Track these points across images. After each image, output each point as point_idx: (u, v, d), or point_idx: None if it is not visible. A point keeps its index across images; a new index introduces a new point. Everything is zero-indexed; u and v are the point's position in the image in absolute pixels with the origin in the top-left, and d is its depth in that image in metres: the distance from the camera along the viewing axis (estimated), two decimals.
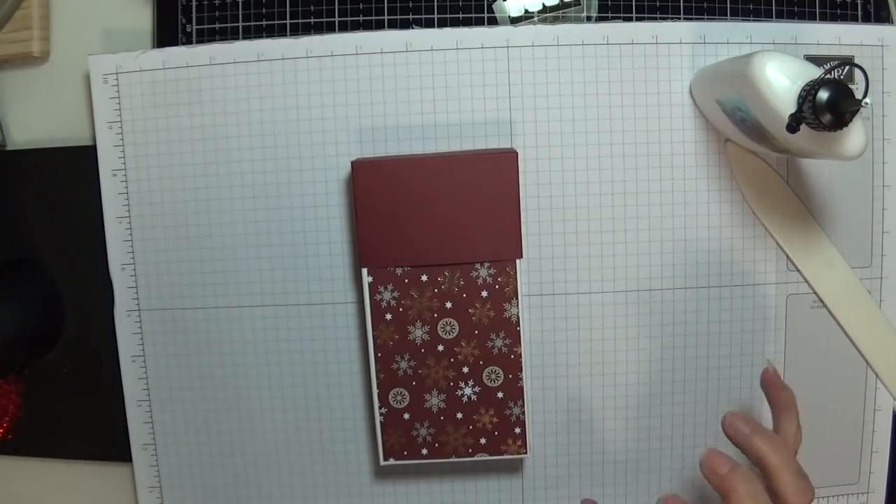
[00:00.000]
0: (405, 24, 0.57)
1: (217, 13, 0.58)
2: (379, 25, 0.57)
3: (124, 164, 0.57)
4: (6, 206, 0.60)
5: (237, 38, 0.58)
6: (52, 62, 0.60)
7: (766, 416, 0.58)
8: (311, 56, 0.55)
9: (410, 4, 0.57)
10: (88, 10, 0.60)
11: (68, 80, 0.60)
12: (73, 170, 0.59)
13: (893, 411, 0.58)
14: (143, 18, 0.59)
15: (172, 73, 0.56)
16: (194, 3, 0.58)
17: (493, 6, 0.57)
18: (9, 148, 0.61)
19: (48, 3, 0.59)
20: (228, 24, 0.58)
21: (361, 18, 0.57)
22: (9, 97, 0.61)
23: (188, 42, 0.58)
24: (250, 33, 0.58)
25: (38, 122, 0.60)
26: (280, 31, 0.58)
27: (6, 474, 0.63)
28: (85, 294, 0.59)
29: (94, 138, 0.58)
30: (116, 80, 0.57)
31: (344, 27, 0.58)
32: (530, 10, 0.57)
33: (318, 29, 0.58)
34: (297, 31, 0.58)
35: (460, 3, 0.57)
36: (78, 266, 0.59)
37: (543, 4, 0.57)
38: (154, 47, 0.58)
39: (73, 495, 0.63)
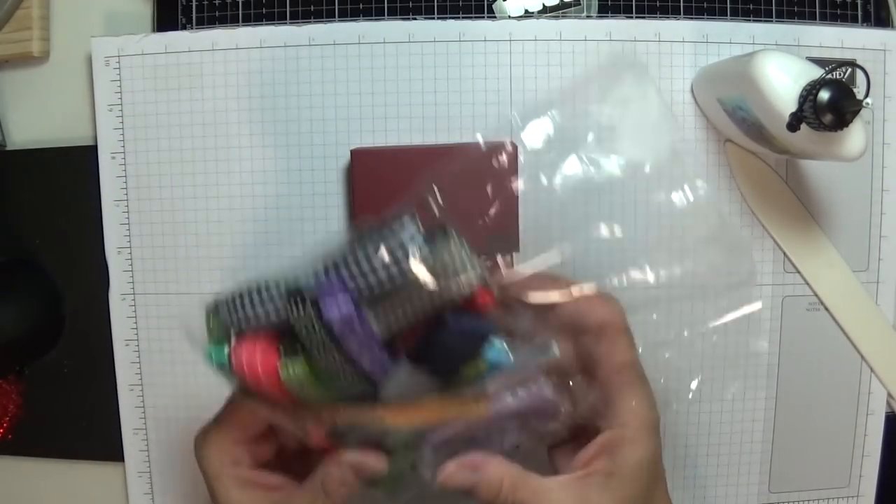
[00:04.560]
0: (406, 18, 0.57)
1: (217, 13, 0.58)
2: (379, 13, 0.57)
3: (123, 147, 0.57)
4: (6, 206, 0.60)
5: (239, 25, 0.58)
6: (52, 62, 0.60)
7: (760, 427, 0.58)
8: (314, 44, 0.55)
9: (411, 4, 0.57)
10: (88, 11, 0.59)
11: (68, 80, 0.59)
12: (73, 169, 0.59)
13: (886, 415, 0.58)
14: (143, 20, 0.59)
15: (174, 58, 0.56)
16: (194, 3, 0.58)
17: (494, 6, 0.57)
18: (9, 148, 0.61)
19: (48, 3, 0.59)
20: (228, 25, 0.57)
21: (361, 7, 0.57)
22: (9, 97, 0.60)
23: None
24: None
25: (38, 122, 0.60)
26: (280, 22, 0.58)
27: (6, 474, 0.63)
28: (85, 293, 0.59)
29: (95, 138, 0.58)
30: (118, 63, 0.57)
31: (344, 17, 0.58)
32: (530, 10, 0.57)
33: (319, 17, 0.57)
34: (297, 23, 0.57)
35: (460, 3, 0.57)
36: (78, 265, 0.59)
37: (543, 5, 0.57)
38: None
39: (72, 495, 0.62)
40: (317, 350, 0.35)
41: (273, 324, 0.36)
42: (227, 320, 0.37)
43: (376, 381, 0.37)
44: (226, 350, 0.37)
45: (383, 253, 0.36)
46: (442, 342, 0.36)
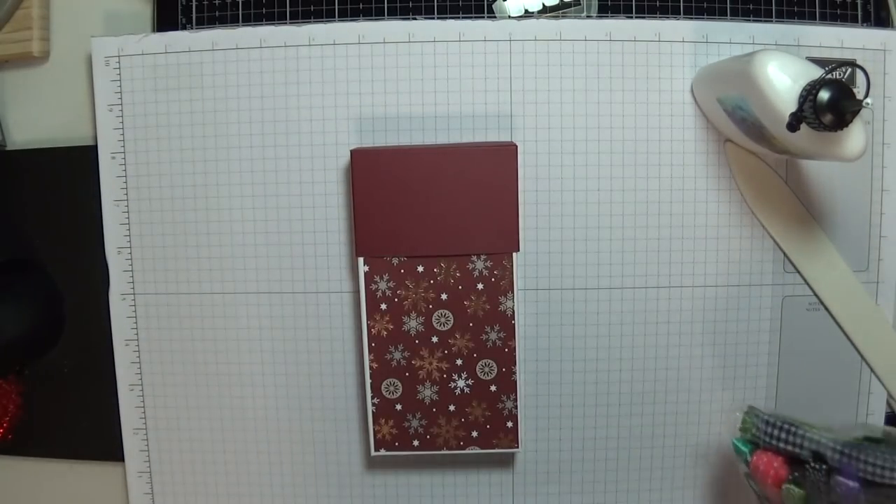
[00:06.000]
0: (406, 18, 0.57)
1: (217, 13, 0.58)
2: (379, 13, 0.57)
3: (123, 147, 0.57)
4: (6, 206, 0.60)
5: (238, 25, 0.58)
6: (52, 62, 0.60)
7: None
8: (314, 44, 0.55)
9: (411, 4, 0.57)
10: (88, 11, 0.59)
11: (68, 80, 0.59)
12: (73, 170, 0.59)
13: (886, 415, 0.58)
14: (143, 20, 0.59)
15: (174, 58, 0.56)
16: (194, 3, 0.58)
17: (494, 6, 0.57)
18: (9, 148, 0.61)
19: (48, 3, 0.59)
20: (228, 25, 0.57)
21: (361, 6, 0.57)
22: (9, 97, 0.61)
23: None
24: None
25: (38, 122, 0.60)
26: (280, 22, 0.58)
27: (6, 474, 0.63)
28: (85, 293, 0.59)
29: (95, 138, 0.58)
30: (118, 63, 0.57)
31: (344, 17, 0.58)
32: (530, 10, 0.57)
33: (318, 17, 0.58)
34: (297, 23, 0.58)
35: (460, 3, 0.57)
36: (78, 266, 0.59)
37: (543, 5, 0.57)
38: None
39: (72, 495, 0.62)
40: (814, 496, 0.48)
41: (791, 454, 0.49)
42: (760, 432, 0.51)
43: None
44: (749, 450, 0.52)
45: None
46: None
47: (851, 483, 0.47)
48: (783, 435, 0.50)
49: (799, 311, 0.57)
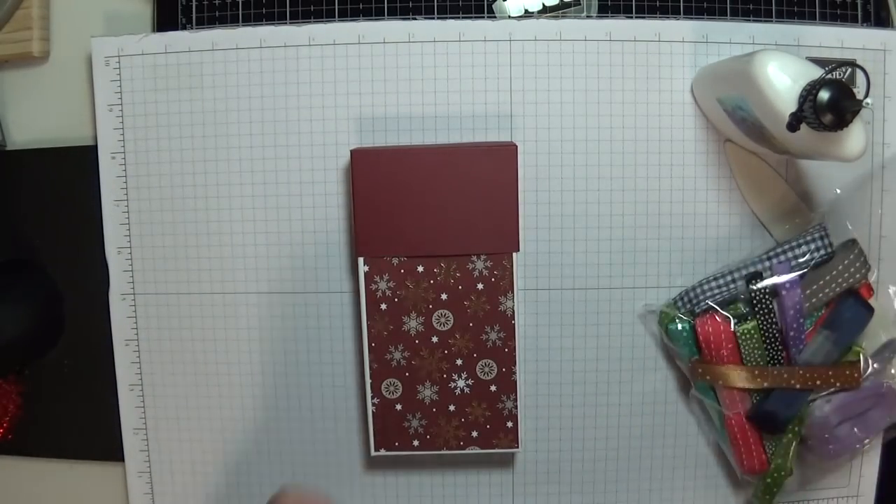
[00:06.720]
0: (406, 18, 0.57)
1: (217, 13, 0.58)
2: (379, 13, 0.57)
3: (123, 147, 0.57)
4: (6, 206, 0.60)
5: (238, 25, 0.58)
6: (52, 62, 0.60)
7: None
8: (314, 44, 0.55)
9: (411, 4, 0.57)
10: (88, 11, 0.59)
11: (68, 80, 0.59)
12: (73, 170, 0.59)
13: None
14: (143, 20, 0.59)
15: (174, 58, 0.56)
16: (194, 3, 0.58)
17: (494, 6, 0.57)
18: (9, 148, 0.61)
19: (48, 3, 0.59)
20: (228, 25, 0.57)
21: (361, 6, 0.57)
22: (9, 97, 0.61)
23: None
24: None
25: (38, 122, 0.60)
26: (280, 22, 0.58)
27: (6, 474, 0.63)
28: (85, 293, 0.59)
29: (95, 138, 0.58)
30: (118, 63, 0.57)
31: (344, 17, 0.58)
32: (530, 10, 0.57)
33: (318, 17, 0.58)
34: (297, 23, 0.58)
35: (460, 3, 0.57)
36: (78, 266, 0.59)
37: (543, 5, 0.57)
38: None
39: (72, 495, 0.62)
40: (763, 313, 0.52)
41: (726, 300, 0.53)
42: (689, 304, 0.54)
43: (789, 347, 0.52)
44: (684, 325, 0.54)
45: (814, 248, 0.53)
46: (843, 316, 0.52)
47: (790, 276, 0.52)
48: (712, 286, 0.54)
49: None
